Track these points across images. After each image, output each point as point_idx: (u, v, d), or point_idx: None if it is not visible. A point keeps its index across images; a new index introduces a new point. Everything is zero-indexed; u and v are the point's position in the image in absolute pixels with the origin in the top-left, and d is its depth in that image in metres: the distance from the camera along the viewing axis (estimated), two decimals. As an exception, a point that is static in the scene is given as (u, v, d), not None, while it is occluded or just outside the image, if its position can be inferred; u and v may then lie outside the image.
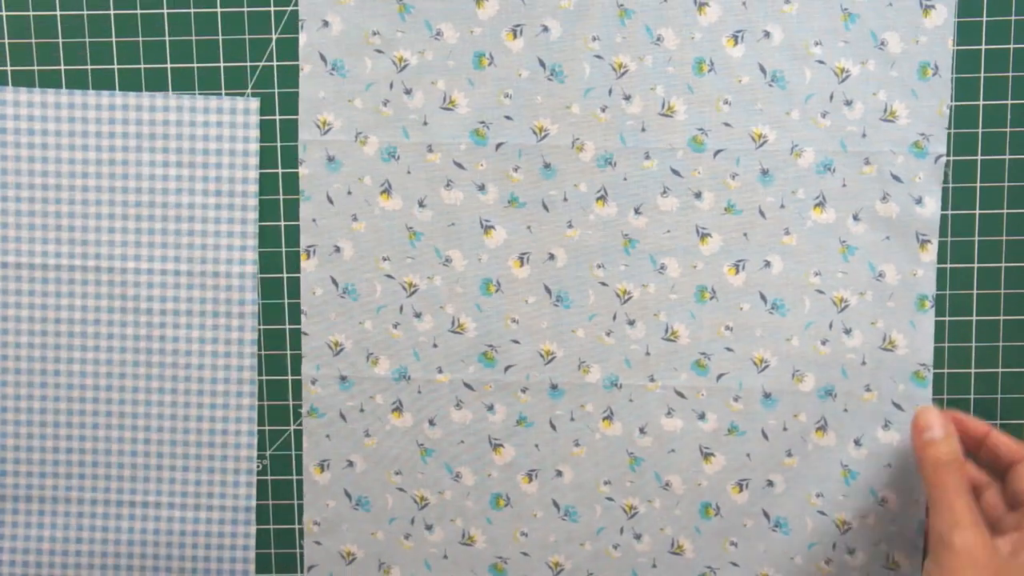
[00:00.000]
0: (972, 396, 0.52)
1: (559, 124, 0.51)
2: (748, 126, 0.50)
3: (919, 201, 0.50)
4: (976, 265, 0.51)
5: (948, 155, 0.51)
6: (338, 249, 0.52)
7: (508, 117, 0.51)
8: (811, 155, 0.51)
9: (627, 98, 0.50)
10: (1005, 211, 0.51)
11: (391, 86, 0.51)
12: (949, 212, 0.51)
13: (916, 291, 0.51)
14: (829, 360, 0.52)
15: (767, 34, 0.50)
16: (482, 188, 0.51)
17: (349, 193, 0.51)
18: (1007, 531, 0.46)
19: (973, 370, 0.52)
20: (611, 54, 0.50)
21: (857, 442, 0.52)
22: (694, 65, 0.50)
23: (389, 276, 0.52)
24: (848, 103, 0.50)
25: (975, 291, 0.52)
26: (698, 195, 0.51)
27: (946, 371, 0.52)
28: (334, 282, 0.52)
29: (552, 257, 0.52)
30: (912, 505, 0.52)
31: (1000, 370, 0.52)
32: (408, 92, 0.51)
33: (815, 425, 0.52)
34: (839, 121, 0.50)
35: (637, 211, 0.51)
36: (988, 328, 0.52)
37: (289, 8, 0.51)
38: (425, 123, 0.51)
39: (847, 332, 0.52)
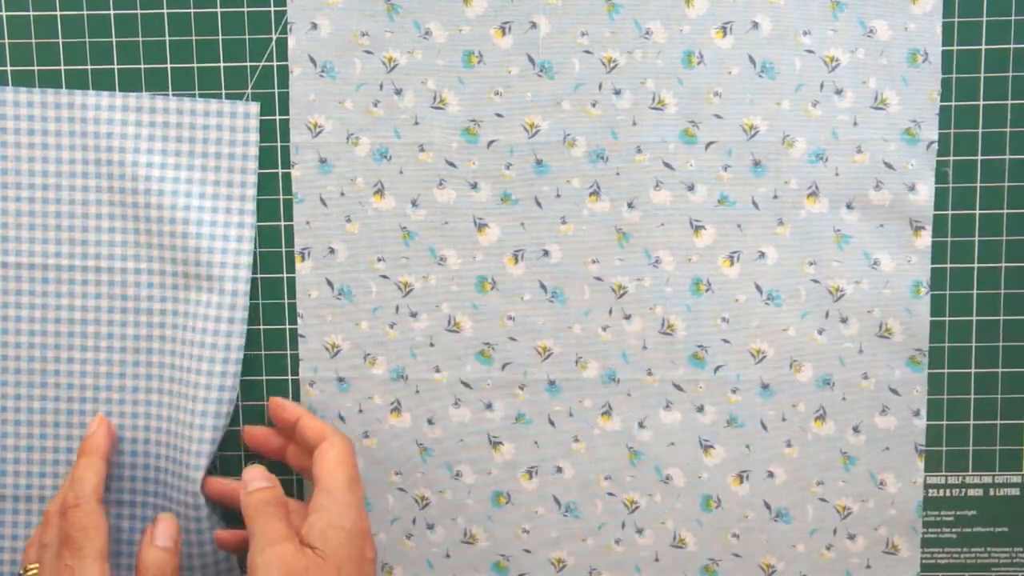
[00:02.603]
0: (972, 396, 0.52)
1: (550, 120, 0.51)
2: (739, 117, 0.50)
3: (912, 188, 0.50)
4: (976, 265, 0.51)
5: (948, 155, 0.51)
6: (332, 251, 0.52)
7: (499, 115, 0.51)
8: (803, 145, 0.51)
9: (617, 92, 0.50)
10: (1005, 211, 0.51)
11: (381, 87, 0.51)
12: (949, 212, 0.51)
13: (911, 277, 0.51)
14: (826, 349, 0.52)
15: (756, 25, 0.50)
16: (475, 186, 0.51)
17: (342, 194, 0.52)
18: None
19: (973, 370, 0.52)
20: (600, 49, 0.50)
21: (856, 429, 0.52)
22: (683, 58, 0.50)
23: (384, 276, 0.52)
24: (839, 92, 0.50)
25: (975, 291, 0.52)
26: (691, 188, 0.51)
27: (946, 371, 0.52)
28: (329, 284, 0.52)
29: (546, 253, 0.52)
30: (910, 487, 0.52)
31: (1000, 370, 0.52)
32: (398, 92, 0.51)
33: (814, 415, 0.52)
34: (830, 110, 0.50)
35: (630, 205, 0.51)
36: (988, 328, 0.52)
37: (287, 9, 0.51)
38: (416, 123, 0.51)
39: (843, 321, 0.52)
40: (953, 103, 0.50)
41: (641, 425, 0.53)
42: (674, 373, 0.52)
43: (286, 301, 0.53)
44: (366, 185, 0.52)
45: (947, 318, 0.52)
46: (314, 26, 0.50)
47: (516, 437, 0.53)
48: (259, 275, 0.52)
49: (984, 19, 0.50)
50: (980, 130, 0.50)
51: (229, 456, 0.54)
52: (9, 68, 0.51)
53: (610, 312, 0.52)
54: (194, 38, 0.51)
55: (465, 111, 0.51)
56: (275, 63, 0.51)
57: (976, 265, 0.51)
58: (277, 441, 0.52)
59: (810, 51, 0.50)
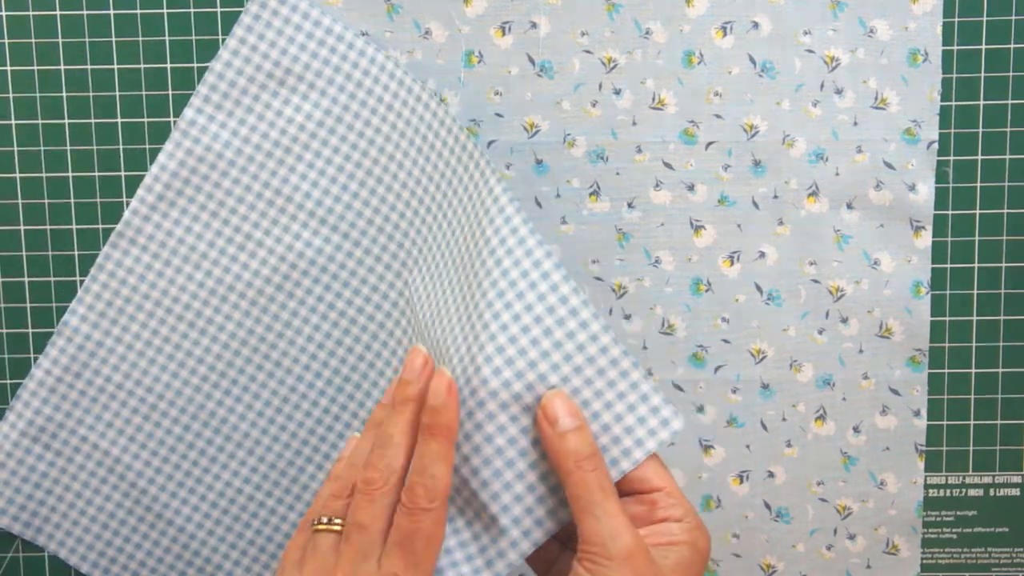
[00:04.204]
0: (972, 396, 0.52)
1: (550, 120, 0.51)
2: (739, 117, 0.50)
3: (912, 188, 0.50)
4: (976, 265, 0.51)
5: (948, 155, 0.51)
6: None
7: (499, 114, 0.51)
8: (803, 145, 0.51)
9: (617, 92, 0.50)
10: (1005, 211, 0.51)
11: (381, 86, 0.51)
12: (949, 212, 0.51)
13: (912, 278, 0.51)
14: (826, 349, 0.52)
15: (756, 25, 0.50)
16: (475, 186, 0.51)
17: (342, 194, 0.52)
18: (638, 524, 0.40)
19: (973, 370, 0.52)
20: (600, 49, 0.50)
21: (856, 429, 0.52)
22: (683, 58, 0.50)
23: (384, 276, 0.52)
24: (839, 92, 0.50)
25: (975, 291, 0.52)
26: (691, 187, 0.51)
27: (946, 371, 0.52)
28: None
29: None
30: (910, 487, 0.52)
31: (1000, 370, 0.52)
32: (398, 92, 0.51)
33: (814, 415, 0.52)
34: (830, 110, 0.50)
35: (630, 205, 0.51)
36: (988, 328, 0.52)
37: (280, 11, 0.51)
38: (416, 122, 0.51)
39: (844, 321, 0.52)
40: (953, 103, 0.50)
41: (641, 425, 0.53)
42: (674, 373, 0.52)
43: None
44: (366, 185, 0.52)
45: (947, 318, 0.52)
46: (314, 26, 0.50)
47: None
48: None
49: (984, 19, 0.50)
50: (980, 130, 0.50)
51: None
52: (9, 68, 0.51)
53: (610, 312, 0.52)
54: (194, 38, 0.51)
55: (465, 111, 0.51)
56: (275, 63, 0.51)
57: (976, 265, 0.51)
58: None
59: (810, 51, 0.50)
